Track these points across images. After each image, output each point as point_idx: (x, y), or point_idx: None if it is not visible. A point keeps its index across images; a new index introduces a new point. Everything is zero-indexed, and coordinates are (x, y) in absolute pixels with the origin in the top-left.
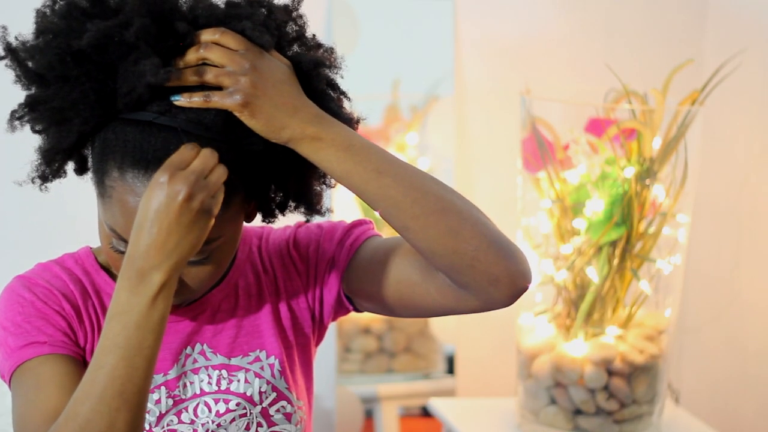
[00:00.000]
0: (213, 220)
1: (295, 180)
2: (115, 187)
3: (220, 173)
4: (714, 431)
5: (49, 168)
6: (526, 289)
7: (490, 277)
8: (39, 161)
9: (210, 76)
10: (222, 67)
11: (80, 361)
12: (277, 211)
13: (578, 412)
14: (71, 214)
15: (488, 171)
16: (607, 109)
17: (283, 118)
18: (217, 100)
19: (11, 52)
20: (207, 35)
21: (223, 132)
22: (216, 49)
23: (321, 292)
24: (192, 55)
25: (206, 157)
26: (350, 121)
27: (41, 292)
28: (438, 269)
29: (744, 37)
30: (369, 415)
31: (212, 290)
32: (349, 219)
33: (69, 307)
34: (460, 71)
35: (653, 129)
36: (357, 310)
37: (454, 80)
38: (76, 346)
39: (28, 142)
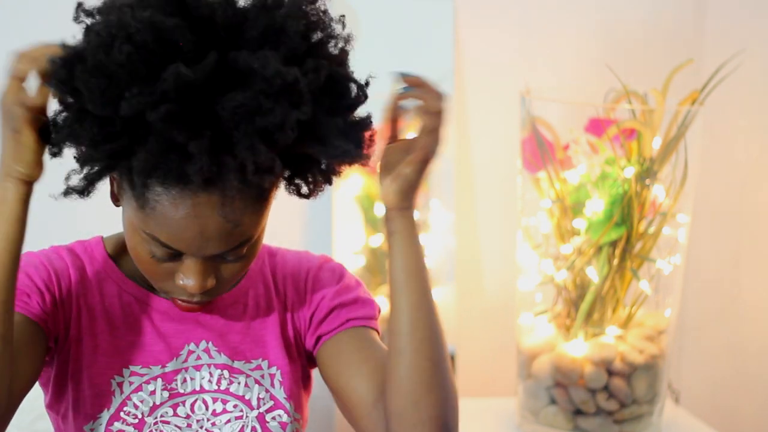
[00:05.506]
0: (18, 137)
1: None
2: (160, 201)
3: (18, 95)
4: (714, 431)
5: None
6: None
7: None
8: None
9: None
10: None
11: (35, 323)
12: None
13: (578, 412)
14: (71, 214)
15: (488, 171)
16: (607, 109)
17: (417, 192)
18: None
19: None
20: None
21: None
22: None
23: (309, 330)
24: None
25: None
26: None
27: (35, 264)
28: (387, 404)
29: (743, 37)
30: None
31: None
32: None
33: (56, 286)
34: (460, 71)
35: (653, 129)
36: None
37: (454, 80)
38: (42, 312)
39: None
